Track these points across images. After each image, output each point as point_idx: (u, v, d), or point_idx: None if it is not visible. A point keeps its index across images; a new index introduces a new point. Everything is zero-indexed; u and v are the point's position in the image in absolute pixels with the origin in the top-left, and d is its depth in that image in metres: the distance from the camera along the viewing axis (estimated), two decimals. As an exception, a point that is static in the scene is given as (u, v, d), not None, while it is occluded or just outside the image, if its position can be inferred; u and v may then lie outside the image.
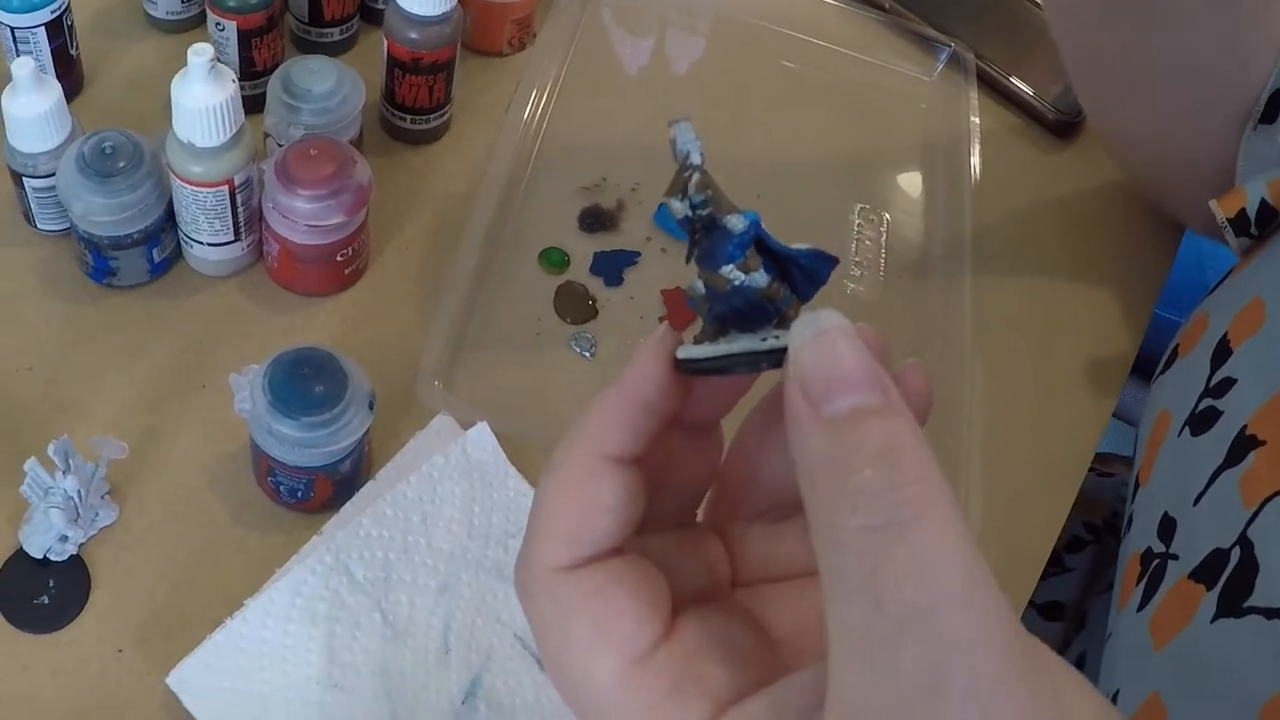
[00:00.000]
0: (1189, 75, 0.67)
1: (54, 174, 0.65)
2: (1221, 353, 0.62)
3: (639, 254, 0.73)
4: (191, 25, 0.78)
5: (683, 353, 0.32)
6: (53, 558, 0.60)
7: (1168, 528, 0.60)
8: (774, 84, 0.85)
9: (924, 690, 0.26)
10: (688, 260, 0.32)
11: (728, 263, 0.30)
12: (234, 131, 0.63)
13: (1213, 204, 0.67)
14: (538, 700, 0.58)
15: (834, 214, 0.77)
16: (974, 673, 0.26)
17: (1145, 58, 0.68)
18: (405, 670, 0.57)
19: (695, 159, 0.31)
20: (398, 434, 0.64)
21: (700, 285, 0.32)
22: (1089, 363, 0.75)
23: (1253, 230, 0.66)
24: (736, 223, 0.31)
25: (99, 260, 0.66)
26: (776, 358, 0.30)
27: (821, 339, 0.28)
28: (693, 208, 0.31)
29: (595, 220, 0.74)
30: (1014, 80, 0.86)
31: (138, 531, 0.61)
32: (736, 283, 0.31)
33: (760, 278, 0.31)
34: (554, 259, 0.71)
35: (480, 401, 0.64)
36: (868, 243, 0.75)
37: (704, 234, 0.31)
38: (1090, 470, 0.72)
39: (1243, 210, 0.66)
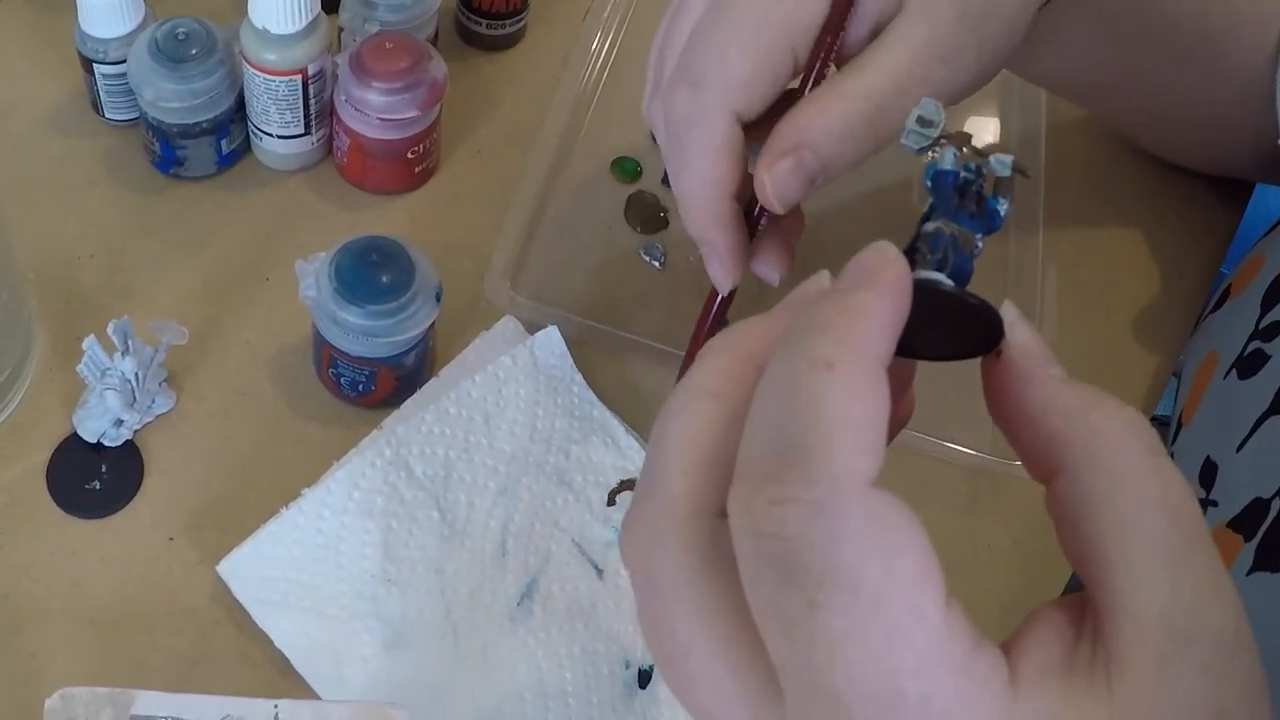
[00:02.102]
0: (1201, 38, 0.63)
1: (124, 61, 0.64)
2: (1273, 295, 0.59)
3: (713, 170, 0.71)
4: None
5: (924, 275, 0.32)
6: (107, 443, 0.59)
7: (1209, 473, 0.57)
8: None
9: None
10: (929, 217, 0.33)
11: (979, 233, 0.33)
12: (310, 19, 0.61)
13: None
14: (594, 607, 0.56)
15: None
16: None
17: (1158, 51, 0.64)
18: (461, 569, 0.56)
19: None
20: (463, 335, 0.62)
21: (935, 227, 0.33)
22: (1156, 312, 0.72)
23: None
24: (1005, 208, 0.33)
25: (166, 150, 0.65)
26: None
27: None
28: (970, 176, 0.33)
29: (670, 134, 0.71)
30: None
31: (195, 420, 0.60)
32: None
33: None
34: (626, 168, 0.69)
35: (548, 304, 0.62)
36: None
37: (972, 201, 0.33)
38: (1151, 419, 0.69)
39: None
